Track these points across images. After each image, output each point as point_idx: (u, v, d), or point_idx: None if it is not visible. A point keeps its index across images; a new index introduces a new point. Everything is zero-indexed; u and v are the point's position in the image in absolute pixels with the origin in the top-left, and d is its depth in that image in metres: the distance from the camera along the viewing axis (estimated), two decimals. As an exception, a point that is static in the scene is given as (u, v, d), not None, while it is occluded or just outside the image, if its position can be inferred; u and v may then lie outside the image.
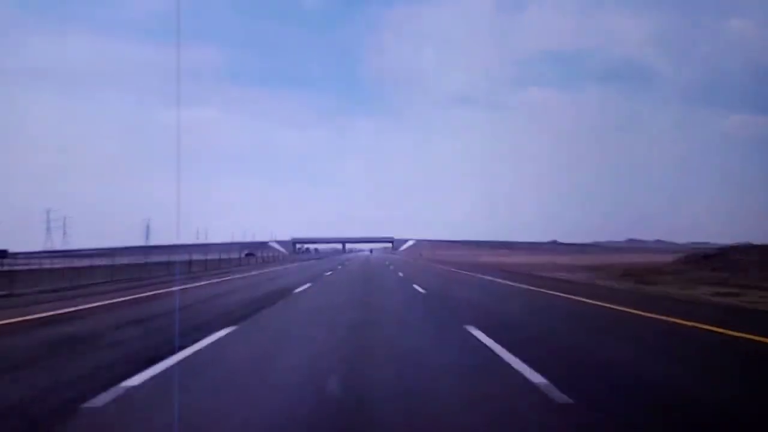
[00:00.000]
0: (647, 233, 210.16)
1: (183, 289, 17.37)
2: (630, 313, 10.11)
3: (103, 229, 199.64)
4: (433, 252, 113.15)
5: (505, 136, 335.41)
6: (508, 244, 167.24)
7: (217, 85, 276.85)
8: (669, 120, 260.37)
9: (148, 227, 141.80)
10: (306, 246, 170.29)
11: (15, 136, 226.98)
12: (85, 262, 28.24)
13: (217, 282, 21.36)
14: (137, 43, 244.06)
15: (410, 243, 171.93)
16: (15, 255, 51.65)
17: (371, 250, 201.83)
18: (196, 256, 38.11)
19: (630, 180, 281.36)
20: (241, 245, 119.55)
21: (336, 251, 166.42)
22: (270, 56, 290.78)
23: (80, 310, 11.01)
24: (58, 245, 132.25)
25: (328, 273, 28.22)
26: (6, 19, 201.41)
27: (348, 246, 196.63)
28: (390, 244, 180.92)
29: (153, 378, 4.75)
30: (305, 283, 18.86)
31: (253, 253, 70.85)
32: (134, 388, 4.39)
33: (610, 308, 10.94)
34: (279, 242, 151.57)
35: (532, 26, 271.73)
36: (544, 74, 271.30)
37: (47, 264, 33.29)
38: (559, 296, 13.99)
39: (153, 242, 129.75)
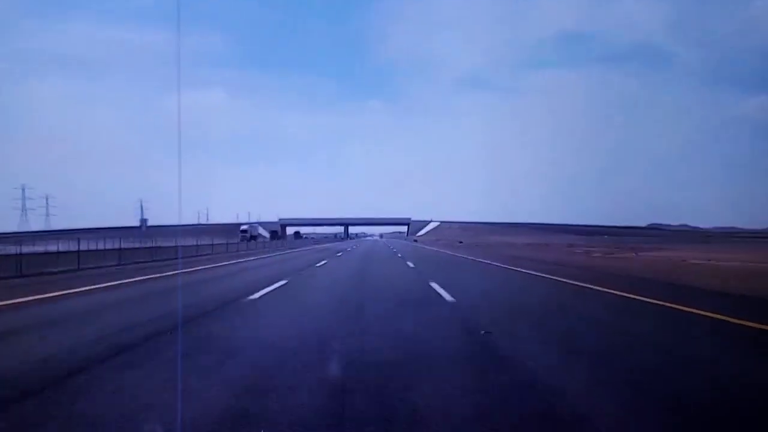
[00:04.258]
0: (670, 217, 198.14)
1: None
2: None
3: (90, 210, 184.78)
4: (478, 237, 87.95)
5: (520, 118, 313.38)
6: (540, 226, 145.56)
7: (222, 69, 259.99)
8: (691, 102, 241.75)
9: (141, 209, 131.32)
10: (246, 229, 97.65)
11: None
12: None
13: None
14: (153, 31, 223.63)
15: (432, 225, 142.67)
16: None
17: (381, 235, 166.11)
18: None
19: (650, 164, 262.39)
20: (222, 226, 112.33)
21: (329, 237, 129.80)
22: (273, 41, 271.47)
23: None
24: (38, 226, 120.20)
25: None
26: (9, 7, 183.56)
27: (354, 230, 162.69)
28: (405, 227, 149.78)
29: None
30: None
31: None
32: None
33: None
34: (263, 224, 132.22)
35: (548, 7, 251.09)
36: (560, 55, 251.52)
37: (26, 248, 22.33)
38: None
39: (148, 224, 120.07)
